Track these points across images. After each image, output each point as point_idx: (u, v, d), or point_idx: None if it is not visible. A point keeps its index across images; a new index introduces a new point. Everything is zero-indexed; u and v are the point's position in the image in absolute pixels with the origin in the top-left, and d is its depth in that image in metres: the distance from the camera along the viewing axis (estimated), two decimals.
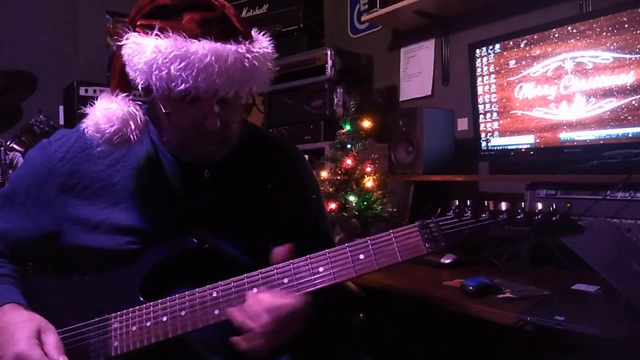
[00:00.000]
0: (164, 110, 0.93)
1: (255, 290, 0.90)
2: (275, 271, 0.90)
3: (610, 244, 1.12)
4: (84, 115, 0.94)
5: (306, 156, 2.26)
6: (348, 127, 2.02)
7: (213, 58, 0.85)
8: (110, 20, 3.34)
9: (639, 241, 1.37)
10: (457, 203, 0.85)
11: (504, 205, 0.82)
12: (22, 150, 2.52)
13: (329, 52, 2.30)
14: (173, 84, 0.86)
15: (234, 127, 1.00)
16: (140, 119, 0.94)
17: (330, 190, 2.01)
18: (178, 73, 0.85)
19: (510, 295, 1.24)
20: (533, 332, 1.07)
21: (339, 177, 2.00)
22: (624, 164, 1.45)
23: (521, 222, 0.80)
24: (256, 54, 0.91)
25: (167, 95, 0.89)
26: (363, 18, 2.52)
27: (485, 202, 0.84)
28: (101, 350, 0.95)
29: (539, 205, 0.82)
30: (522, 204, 0.81)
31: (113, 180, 1.03)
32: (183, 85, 0.85)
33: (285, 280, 0.89)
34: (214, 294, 0.91)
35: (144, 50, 0.86)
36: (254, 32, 0.96)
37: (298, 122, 2.42)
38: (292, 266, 0.90)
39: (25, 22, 3.25)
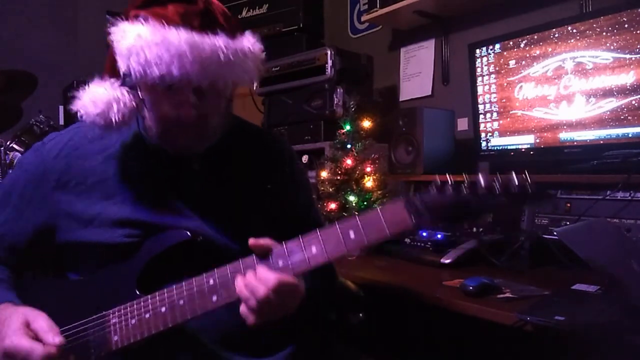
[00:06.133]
0: (140, 96, 0.96)
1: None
2: (269, 253, 0.92)
3: (610, 244, 1.12)
4: (74, 98, 0.98)
5: (306, 156, 2.29)
6: (348, 127, 2.02)
7: (187, 47, 0.89)
8: (110, 20, 3.34)
9: (639, 241, 1.37)
10: (439, 180, 0.89)
11: (481, 179, 0.86)
12: (22, 150, 2.52)
13: (329, 52, 2.30)
14: (149, 69, 0.89)
15: (213, 121, 1.01)
16: (125, 103, 0.96)
17: (330, 190, 2.00)
18: (153, 59, 0.88)
19: (510, 295, 1.24)
20: (533, 332, 1.07)
21: (339, 177, 2.00)
22: (624, 164, 1.44)
23: (499, 193, 0.84)
24: (235, 49, 0.94)
25: (144, 80, 0.92)
26: (363, 18, 2.52)
27: (465, 177, 0.88)
28: (102, 346, 0.96)
29: (514, 178, 0.85)
30: (498, 176, 0.86)
31: (106, 174, 1.05)
32: (157, 70, 0.89)
33: (280, 262, 0.90)
34: (211, 282, 0.92)
35: (127, 36, 0.91)
36: (247, 33, 0.99)
37: (298, 122, 2.42)
38: (285, 248, 0.91)
39: (25, 22, 3.25)
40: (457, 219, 0.88)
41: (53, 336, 0.90)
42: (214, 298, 0.92)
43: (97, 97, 0.96)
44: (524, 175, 0.84)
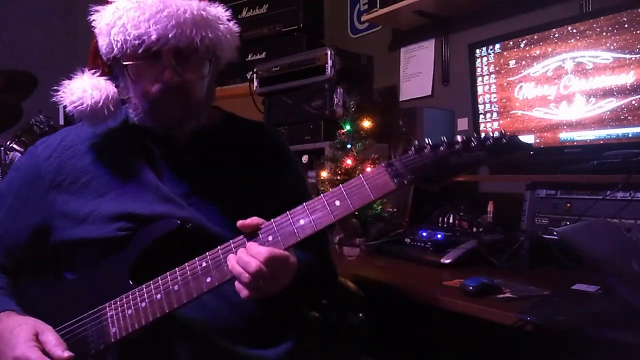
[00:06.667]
0: (124, 63, 0.99)
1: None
2: (258, 231, 0.93)
3: (611, 244, 1.12)
4: (56, 91, 1.03)
5: (306, 156, 2.28)
6: (348, 127, 2.02)
7: (161, 5, 0.94)
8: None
9: (639, 241, 1.38)
10: (417, 142, 0.91)
11: (459, 137, 0.88)
12: (22, 150, 2.52)
13: (329, 52, 2.29)
14: (128, 34, 0.94)
15: (196, 91, 1.03)
16: (100, 88, 1.01)
17: (330, 190, 2.00)
18: (131, 22, 0.94)
19: (510, 295, 1.24)
20: (533, 332, 1.07)
21: (339, 177, 2.00)
22: (624, 164, 1.44)
23: (476, 148, 0.87)
24: (207, 8, 1.00)
25: (125, 50, 0.96)
26: (363, 18, 2.52)
27: (443, 137, 0.90)
28: (100, 339, 0.96)
29: (491, 133, 0.89)
30: (475, 133, 0.88)
31: (99, 172, 1.07)
32: (136, 31, 0.94)
33: (270, 238, 0.92)
34: (204, 264, 0.94)
35: (106, 14, 0.97)
36: (221, 6, 1.05)
37: (298, 122, 2.42)
38: (274, 224, 0.93)
39: (25, 22, 3.26)
40: (438, 178, 0.90)
41: (62, 351, 0.91)
42: (208, 279, 0.93)
43: (74, 86, 1.00)
44: (500, 131, 0.86)
